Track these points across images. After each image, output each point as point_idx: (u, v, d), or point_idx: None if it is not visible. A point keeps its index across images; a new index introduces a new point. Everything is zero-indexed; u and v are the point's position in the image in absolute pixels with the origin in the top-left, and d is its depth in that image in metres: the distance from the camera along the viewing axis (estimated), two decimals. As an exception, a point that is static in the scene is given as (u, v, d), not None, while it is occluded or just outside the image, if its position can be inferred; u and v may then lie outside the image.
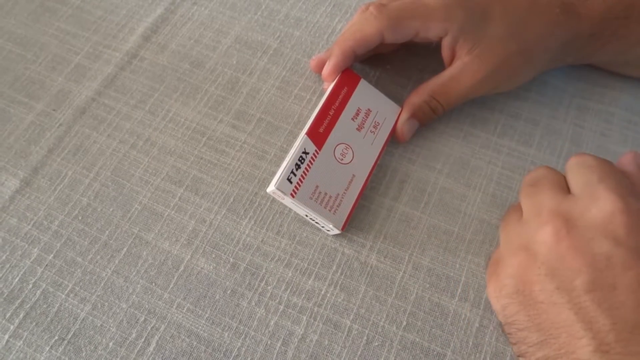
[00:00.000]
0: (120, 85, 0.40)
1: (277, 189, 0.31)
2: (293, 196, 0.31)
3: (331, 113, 0.34)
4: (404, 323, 0.31)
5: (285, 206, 0.35)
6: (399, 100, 0.38)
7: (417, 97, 0.36)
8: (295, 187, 0.31)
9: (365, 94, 0.36)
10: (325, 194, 0.32)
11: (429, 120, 0.37)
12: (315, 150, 0.32)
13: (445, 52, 0.36)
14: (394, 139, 0.37)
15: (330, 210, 0.32)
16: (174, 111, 0.39)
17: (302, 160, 0.32)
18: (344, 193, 0.33)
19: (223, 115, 0.39)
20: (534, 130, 0.38)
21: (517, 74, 0.36)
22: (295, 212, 0.35)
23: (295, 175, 0.31)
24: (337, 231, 0.32)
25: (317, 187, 0.32)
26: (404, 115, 0.36)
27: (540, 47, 0.35)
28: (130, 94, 0.40)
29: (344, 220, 0.32)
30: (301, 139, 0.32)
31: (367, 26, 0.34)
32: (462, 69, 0.35)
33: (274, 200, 0.35)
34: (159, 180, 0.36)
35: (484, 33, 0.34)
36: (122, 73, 0.41)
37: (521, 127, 0.38)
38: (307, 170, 0.32)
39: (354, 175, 0.33)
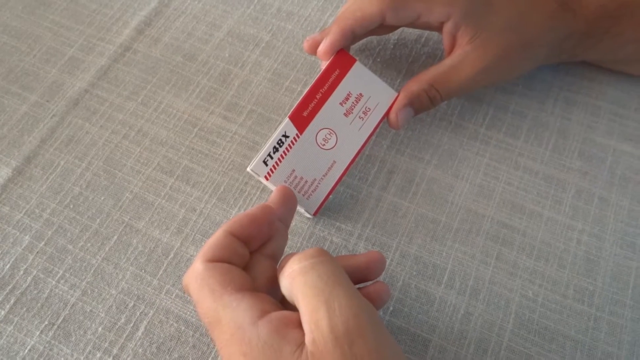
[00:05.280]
0: (113, 77, 0.41)
1: (252, 170, 0.31)
2: (267, 179, 0.32)
3: (318, 96, 0.34)
4: (391, 309, 0.32)
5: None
6: (388, 92, 0.38)
7: (416, 85, 0.35)
8: (271, 169, 0.32)
9: (359, 78, 0.35)
10: (301, 178, 0.32)
11: (425, 109, 0.36)
12: (296, 134, 0.33)
13: (446, 39, 0.35)
14: (385, 125, 0.37)
15: (304, 195, 0.32)
16: (166, 103, 0.39)
17: (281, 144, 0.32)
18: (322, 179, 0.33)
19: (214, 107, 0.39)
20: (521, 123, 0.38)
21: (516, 66, 0.36)
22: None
23: (272, 158, 0.32)
24: (309, 215, 0.33)
25: (293, 171, 0.32)
26: (401, 103, 0.35)
27: (540, 41, 0.35)
28: (123, 86, 0.40)
29: (317, 206, 0.33)
30: (284, 122, 0.33)
31: (369, 5, 0.34)
32: (463, 58, 0.34)
33: (264, 189, 0.36)
34: (150, 169, 0.37)
35: (487, 22, 0.34)
36: (116, 65, 0.41)
37: (509, 119, 0.39)
38: (285, 154, 0.32)
39: (334, 162, 0.33)
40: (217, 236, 0.26)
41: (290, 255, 0.25)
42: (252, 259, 0.27)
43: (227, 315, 0.23)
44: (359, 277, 0.27)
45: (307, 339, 0.21)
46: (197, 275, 0.24)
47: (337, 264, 0.24)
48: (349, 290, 0.22)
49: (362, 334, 0.21)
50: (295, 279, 0.23)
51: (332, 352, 0.21)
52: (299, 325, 0.22)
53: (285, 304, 0.25)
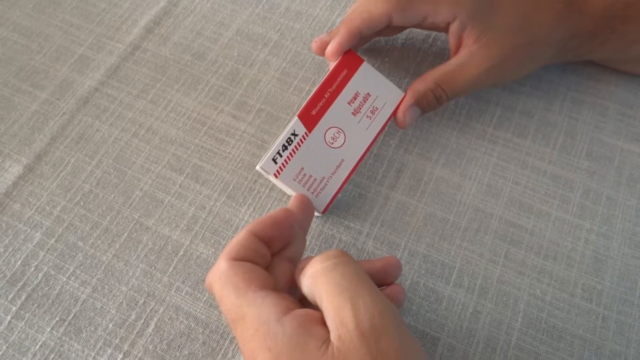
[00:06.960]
0: (123, 76, 0.41)
1: (262, 168, 0.32)
2: (276, 176, 0.32)
3: (326, 96, 0.34)
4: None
5: (284, 194, 0.36)
6: (397, 92, 0.38)
7: (423, 84, 0.35)
8: (280, 167, 0.32)
9: (367, 78, 0.35)
10: (310, 176, 0.33)
11: (432, 109, 0.36)
12: (305, 133, 0.33)
13: (452, 39, 0.36)
14: (393, 125, 0.37)
15: (312, 193, 0.33)
16: (175, 101, 0.40)
17: (290, 142, 0.32)
18: (330, 177, 0.33)
19: (224, 106, 0.39)
20: (529, 122, 0.39)
21: (521, 66, 0.37)
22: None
23: (281, 156, 0.32)
24: (317, 214, 0.33)
25: (302, 169, 0.32)
26: (407, 102, 0.35)
27: (545, 40, 0.35)
28: (133, 84, 0.40)
29: (325, 204, 0.33)
30: (292, 120, 0.33)
31: (375, 7, 0.34)
32: (469, 58, 0.35)
33: (272, 188, 0.36)
34: (160, 168, 0.37)
35: (492, 22, 0.34)
36: (125, 64, 0.41)
37: (516, 119, 0.39)
38: (294, 152, 0.32)
39: (342, 160, 0.34)
40: (240, 236, 0.26)
41: (309, 257, 0.25)
42: (272, 261, 0.27)
43: (251, 312, 0.23)
44: (375, 282, 0.27)
45: (333, 335, 0.22)
46: (221, 273, 0.25)
47: (358, 264, 0.24)
48: (372, 289, 0.23)
49: (387, 331, 0.22)
50: (318, 278, 0.23)
51: (358, 348, 0.21)
52: (322, 322, 0.23)
53: (304, 305, 0.25)
